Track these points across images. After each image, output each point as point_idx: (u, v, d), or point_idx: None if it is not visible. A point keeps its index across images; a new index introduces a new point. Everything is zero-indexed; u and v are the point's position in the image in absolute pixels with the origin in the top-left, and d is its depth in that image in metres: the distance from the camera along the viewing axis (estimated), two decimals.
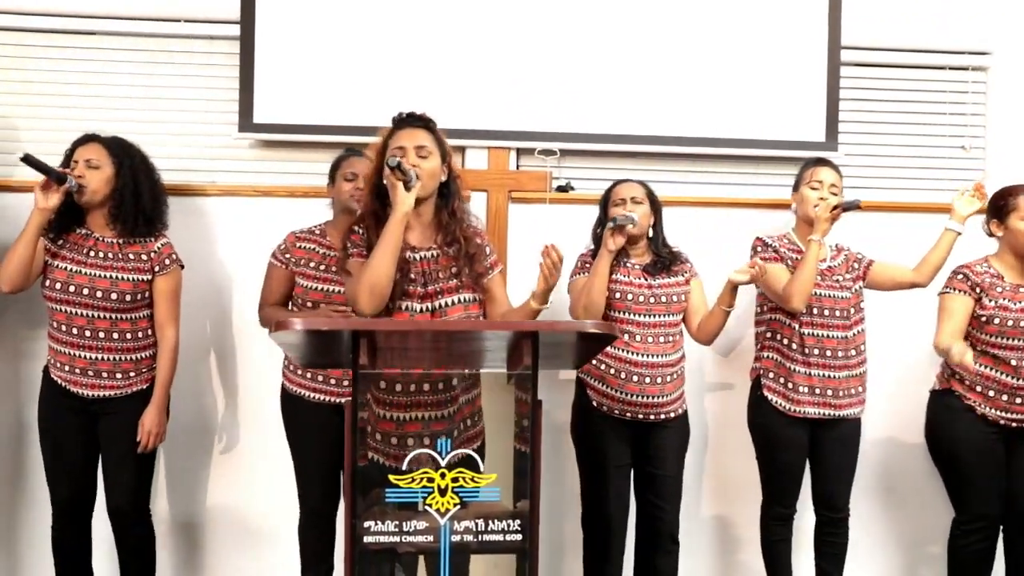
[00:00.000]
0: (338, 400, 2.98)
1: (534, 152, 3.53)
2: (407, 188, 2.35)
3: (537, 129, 3.50)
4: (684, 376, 3.11)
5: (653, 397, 3.01)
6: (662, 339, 3.03)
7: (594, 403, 3.06)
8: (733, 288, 2.99)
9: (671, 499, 3.10)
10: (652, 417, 3.03)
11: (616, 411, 3.03)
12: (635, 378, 3.00)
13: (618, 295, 3.02)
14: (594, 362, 3.04)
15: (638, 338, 3.01)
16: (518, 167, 3.57)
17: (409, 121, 2.49)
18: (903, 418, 3.50)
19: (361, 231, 2.46)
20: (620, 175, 3.52)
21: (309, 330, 1.96)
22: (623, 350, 3.01)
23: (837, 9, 3.57)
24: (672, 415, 3.07)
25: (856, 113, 3.67)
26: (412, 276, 2.42)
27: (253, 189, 3.49)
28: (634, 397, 3.00)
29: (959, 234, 3.13)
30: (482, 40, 3.48)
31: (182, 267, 3.08)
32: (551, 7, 3.50)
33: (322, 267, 3.04)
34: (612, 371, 3.02)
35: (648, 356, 3.00)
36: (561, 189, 3.56)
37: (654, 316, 3.04)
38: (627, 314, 3.02)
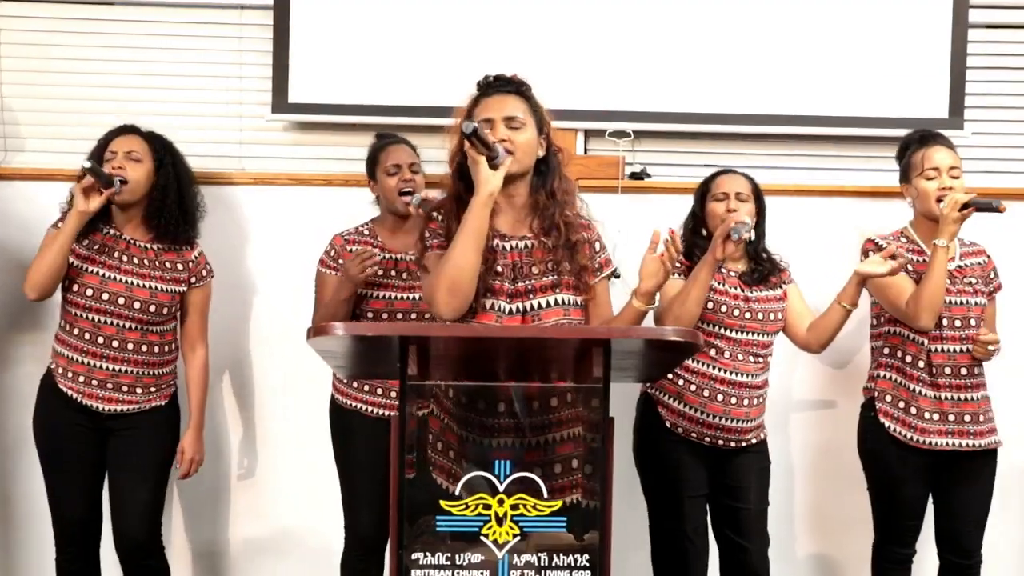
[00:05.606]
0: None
1: (605, 134, 3.51)
2: (492, 165, 2.23)
3: (608, 108, 3.47)
4: (766, 404, 3.08)
5: (737, 421, 2.97)
6: (752, 358, 3.00)
7: (667, 423, 3.02)
8: (860, 283, 2.91)
9: (756, 536, 3.06)
10: (733, 444, 3.00)
11: (693, 434, 2.99)
12: (719, 397, 2.96)
13: (710, 305, 2.97)
14: (670, 376, 3.00)
15: (727, 354, 2.97)
16: (586, 151, 3.56)
17: (497, 86, 2.37)
18: None
19: (440, 218, 2.35)
20: (702, 160, 3.49)
21: (354, 336, 1.98)
22: (708, 365, 2.97)
23: None
24: (753, 440, 3.05)
25: (986, 84, 3.56)
26: (499, 269, 2.32)
27: (288, 177, 3.52)
28: (716, 419, 2.96)
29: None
30: (545, 6, 3.46)
31: (212, 277, 3.16)
32: None
33: (380, 272, 3.01)
34: (693, 387, 2.98)
35: (736, 374, 2.97)
36: (636, 176, 3.53)
37: (747, 333, 3.00)
38: (718, 327, 2.98)
